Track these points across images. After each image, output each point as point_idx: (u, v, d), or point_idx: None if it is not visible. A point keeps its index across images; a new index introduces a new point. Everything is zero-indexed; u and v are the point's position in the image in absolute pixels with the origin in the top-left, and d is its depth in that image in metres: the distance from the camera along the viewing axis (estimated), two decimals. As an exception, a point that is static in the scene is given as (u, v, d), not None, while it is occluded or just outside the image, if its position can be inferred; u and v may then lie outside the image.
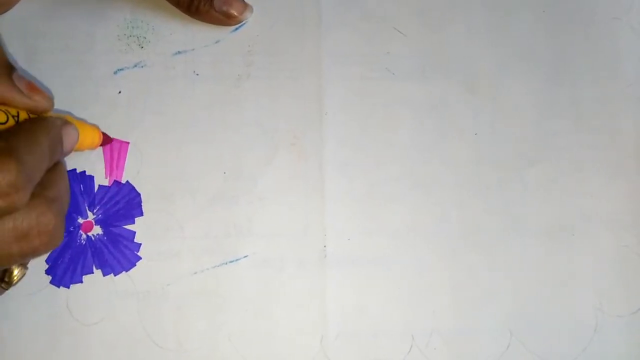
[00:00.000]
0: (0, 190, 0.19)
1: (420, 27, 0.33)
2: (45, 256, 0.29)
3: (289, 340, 0.29)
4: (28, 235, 0.21)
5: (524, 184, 0.32)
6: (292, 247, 0.30)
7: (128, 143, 0.31)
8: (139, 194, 0.30)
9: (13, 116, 0.23)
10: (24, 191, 0.19)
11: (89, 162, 0.30)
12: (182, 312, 0.29)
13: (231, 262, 0.30)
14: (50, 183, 0.22)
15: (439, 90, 0.33)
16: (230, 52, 0.32)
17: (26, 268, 0.24)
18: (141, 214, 0.30)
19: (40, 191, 0.21)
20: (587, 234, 0.32)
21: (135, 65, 0.31)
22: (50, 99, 0.25)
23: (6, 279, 0.23)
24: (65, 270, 0.29)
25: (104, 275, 0.29)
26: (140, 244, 0.30)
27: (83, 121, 0.29)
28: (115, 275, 0.29)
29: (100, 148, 0.30)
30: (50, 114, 0.26)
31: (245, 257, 0.30)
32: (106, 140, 0.29)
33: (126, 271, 0.29)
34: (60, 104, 0.30)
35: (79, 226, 0.30)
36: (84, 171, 0.30)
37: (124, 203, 0.30)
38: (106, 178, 0.30)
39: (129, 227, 0.30)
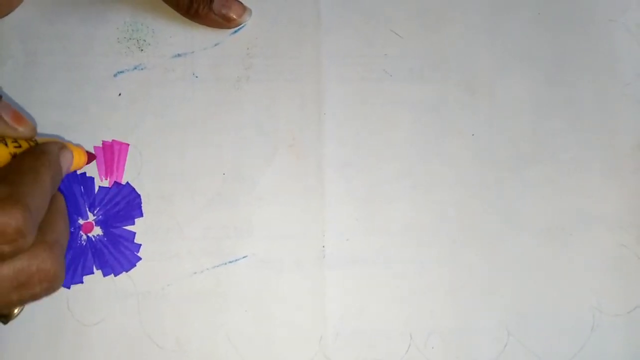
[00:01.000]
0: (8, 236, 0.19)
1: (417, 29, 0.34)
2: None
3: (288, 340, 0.29)
4: (28, 283, 0.21)
5: (522, 184, 0.32)
6: (291, 247, 0.30)
7: (128, 145, 0.31)
8: (139, 195, 0.30)
9: (13, 156, 0.24)
10: (29, 236, 0.20)
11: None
12: (181, 312, 0.29)
13: (230, 262, 0.30)
14: (49, 225, 0.22)
15: (437, 91, 0.33)
16: (229, 55, 0.32)
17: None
18: (141, 215, 0.30)
19: (40, 237, 0.21)
20: (584, 233, 0.32)
21: (135, 68, 0.32)
22: (33, 127, 0.25)
23: (5, 313, 0.23)
24: (66, 271, 0.29)
25: (104, 275, 0.29)
26: (140, 245, 0.30)
27: (69, 142, 0.29)
28: (115, 276, 0.29)
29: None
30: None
31: (244, 257, 0.30)
32: (91, 157, 0.29)
33: (126, 272, 0.29)
34: (61, 106, 0.31)
35: (80, 227, 0.30)
36: (85, 173, 0.30)
37: (124, 204, 0.30)
38: (106, 179, 0.30)
39: (129, 228, 0.30)
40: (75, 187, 0.30)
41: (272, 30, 0.33)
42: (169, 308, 0.29)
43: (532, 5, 0.34)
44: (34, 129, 0.25)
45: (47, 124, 0.31)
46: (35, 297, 0.21)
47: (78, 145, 0.29)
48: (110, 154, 0.31)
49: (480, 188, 0.32)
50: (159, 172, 0.31)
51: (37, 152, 0.24)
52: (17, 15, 0.31)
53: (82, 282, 0.29)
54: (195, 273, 0.30)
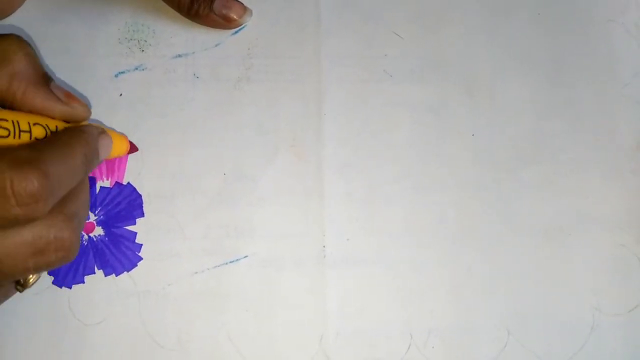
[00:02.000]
0: (20, 199, 0.19)
1: (417, 29, 0.34)
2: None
3: (289, 339, 0.29)
4: (45, 251, 0.21)
5: (521, 184, 0.32)
6: (292, 247, 0.31)
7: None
8: (140, 195, 0.30)
9: (52, 132, 0.23)
10: (44, 203, 0.19)
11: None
12: (183, 312, 0.29)
13: (231, 262, 0.30)
14: (71, 197, 0.22)
15: (437, 92, 0.33)
16: (230, 55, 0.32)
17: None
18: (142, 215, 0.30)
19: (60, 207, 0.21)
20: (584, 233, 0.32)
21: (136, 68, 0.32)
22: (88, 108, 0.25)
23: (21, 282, 0.23)
24: (67, 271, 0.29)
25: (105, 275, 0.29)
26: (142, 245, 0.30)
27: (112, 129, 0.30)
28: (116, 276, 0.29)
29: None
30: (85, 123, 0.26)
31: (245, 257, 0.30)
32: (133, 149, 0.29)
33: (127, 271, 0.30)
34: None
35: (81, 227, 0.30)
36: (86, 173, 0.31)
37: (125, 204, 0.30)
38: (107, 180, 0.31)
39: (130, 228, 0.30)
40: (76, 187, 0.30)
41: (272, 31, 0.33)
42: (170, 307, 0.29)
43: (531, 6, 0.34)
44: (88, 109, 0.25)
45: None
46: (50, 266, 0.21)
47: (122, 134, 0.30)
48: (112, 154, 0.31)
49: (479, 189, 0.32)
50: (160, 172, 0.31)
51: (75, 130, 0.24)
52: (17, 15, 0.31)
53: (83, 282, 0.29)
54: (196, 273, 0.30)
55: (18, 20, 0.31)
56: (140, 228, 0.30)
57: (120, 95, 0.32)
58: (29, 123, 0.22)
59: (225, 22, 0.31)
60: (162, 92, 0.32)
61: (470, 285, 0.31)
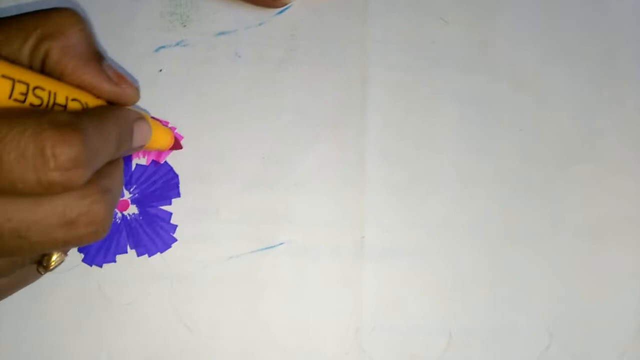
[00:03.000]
0: (61, 163, 0.17)
1: (467, 17, 0.33)
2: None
3: (324, 330, 0.29)
4: (76, 223, 0.19)
5: (568, 182, 0.31)
6: (330, 236, 0.30)
7: (167, 123, 0.30)
8: (176, 175, 0.29)
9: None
10: (84, 169, 0.18)
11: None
12: (215, 297, 0.28)
13: (267, 248, 0.29)
14: (105, 173, 0.21)
15: (484, 83, 0.32)
16: (273, 36, 0.31)
17: (66, 254, 0.23)
18: (178, 195, 0.29)
19: (96, 179, 0.20)
20: (630, 234, 0.31)
21: (177, 44, 0.31)
22: (137, 91, 0.24)
23: (44, 264, 0.22)
24: (98, 249, 0.28)
25: (138, 255, 0.29)
26: (176, 226, 0.29)
27: (158, 121, 0.29)
28: (149, 257, 0.29)
29: None
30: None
31: (281, 244, 0.29)
32: (176, 145, 0.28)
33: (161, 253, 0.29)
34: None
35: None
36: (121, 149, 0.30)
37: (161, 183, 0.29)
38: (144, 157, 0.30)
39: (166, 208, 0.29)
40: (111, 164, 0.29)
41: (318, 13, 0.32)
42: (203, 292, 0.28)
43: (584, 1, 0.33)
44: (138, 92, 0.24)
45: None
46: (79, 241, 0.20)
47: (168, 128, 0.28)
48: (148, 131, 0.30)
49: (524, 185, 0.31)
50: (198, 153, 0.30)
51: (112, 108, 0.23)
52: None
53: (114, 262, 0.29)
54: (231, 257, 0.29)
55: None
56: (176, 209, 0.29)
57: (160, 70, 0.31)
58: (67, 97, 0.21)
59: (271, 1, 0.30)
60: (202, 69, 0.31)
61: (511, 284, 0.30)
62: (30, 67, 0.21)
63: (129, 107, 0.24)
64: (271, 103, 0.31)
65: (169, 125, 0.30)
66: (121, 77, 0.23)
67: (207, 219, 0.29)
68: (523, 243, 0.30)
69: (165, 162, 0.30)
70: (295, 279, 0.29)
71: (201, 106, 0.30)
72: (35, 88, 0.19)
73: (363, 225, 0.30)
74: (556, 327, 0.29)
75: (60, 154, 0.17)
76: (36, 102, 0.19)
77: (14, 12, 0.21)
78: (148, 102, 0.30)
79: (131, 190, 0.29)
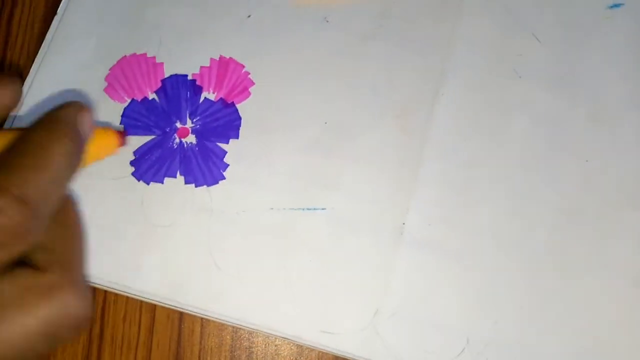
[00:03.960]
0: (6, 232, 0.16)
1: (559, 39, 0.32)
2: (132, 145, 0.29)
3: (344, 304, 0.28)
4: (57, 333, 0.19)
5: (624, 226, 0.30)
6: (372, 214, 0.29)
7: (243, 66, 0.31)
8: (240, 118, 0.30)
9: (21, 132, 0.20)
10: (32, 233, 0.17)
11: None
12: (248, 242, 0.29)
13: (309, 209, 0.29)
14: (68, 257, 0.20)
15: (562, 107, 0.31)
16: (364, 9, 0.32)
17: None
18: (237, 137, 0.30)
19: (67, 277, 0.19)
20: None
21: (273, -5, 0.31)
22: (15, 90, 0.21)
23: None
24: (149, 167, 0.29)
25: (185, 183, 0.29)
26: (228, 165, 0.29)
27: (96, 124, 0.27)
28: (196, 187, 0.29)
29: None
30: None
31: (323, 209, 0.29)
32: (122, 139, 0.27)
33: (208, 186, 0.29)
34: (188, 15, 0.31)
35: (176, 130, 0.30)
36: (195, 80, 0.30)
37: (223, 121, 0.30)
38: (214, 93, 0.30)
39: (222, 145, 0.30)
40: (182, 91, 0.30)
41: (414, -2, 0.32)
42: (238, 234, 0.29)
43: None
44: (17, 92, 0.21)
45: (176, 25, 0.31)
46: (62, 343, 0.20)
47: (105, 127, 0.27)
48: (224, 70, 0.31)
49: (578, 216, 0.30)
50: (265, 103, 0.30)
51: (47, 122, 0.20)
52: None
53: (162, 183, 0.29)
54: (272, 209, 0.29)
55: None
56: (231, 149, 0.30)
57: (249, 16, 0.31)
58: None
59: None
60: (289, 25, 0.31)
61: (543, 309, 0.29)
62: None
63: (66, 105, 0.22)
64: (347, 73, 0.31)
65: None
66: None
67: (258, 167, 0.30)
68: (563, 273, 0.29)
69: (232, 102, 0.30)
70: (328, 246, 0.29)
71: (279, 59, 0.31)
72: None
73: (407, 213, 0.30)
74: (577, 365, 0.28)
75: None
76: None
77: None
78: (231, 43, 0.31)
79: (194, 120, 0.30)
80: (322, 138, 0.30)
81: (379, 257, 0.29)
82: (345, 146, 0.30)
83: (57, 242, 0.20)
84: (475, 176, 0.30)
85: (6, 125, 0.27)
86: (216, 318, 0.28)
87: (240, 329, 0.29)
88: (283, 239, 0.29)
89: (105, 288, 0.28)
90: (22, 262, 0.19)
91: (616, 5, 0.33)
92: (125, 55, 0.31)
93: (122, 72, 0.30)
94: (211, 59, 0.31)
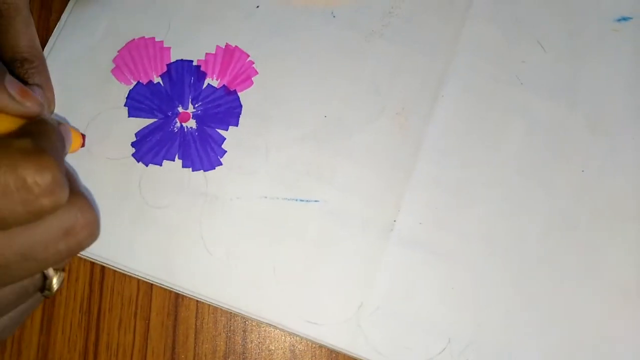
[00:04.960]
0: (45, 189, 0.18)
1: (564, 48, 0.32)
2: (135, 127, 0.30)
3: (329, 294, 0.29)
4: (73, 231, 0.20)
5: (614, 236, 0.30)
6: (364, 210, 0.30)
7: (248, 55, 0.31)
8: (240, 105, 0.30)
9: (22, 125, 0.22)
10: (64, 186, 0.18)
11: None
12: (239, 228, 0.29)
13: (302, 200, 0.30)
14: (72, 180, 0.21)
15: (561, 115, 0.31)
16: (372, 6, 0.32)
17: (63, 271, 0.23)
18: (236, 124, 0.30)
19: (73, 187, 0.20)
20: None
21: (282, -13, 0.32)
22: (41, 103, 0.23)
23: (47, 287, 0.22)
24: (149, 149, 0.30)
25: (182, 166, 0.30)
26: (226, 152, 0.30)
27: (66, 124, 0.29)
28: (193, 171, 0.30)
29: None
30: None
31: (316, 201, 0.30)
32: (83, 141, 0.29)
33: (204, 171, 0.30)
34: (198, 2, 0.31)
35: (177, 114, 0.30)
36: (199, 66, 0.31)
37: (224, 108, 0.30)
38: (217, 80, 0.31)
39: (221, 132, 0.30)
40: (186, 76, 0.31)
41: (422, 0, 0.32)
42: (230, 220, 0.29)
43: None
44: (42, 104, 0.23)
45: (185, 11, 0.32)
46: (81, 246, 0.20)
47: (74, 128, 0.28)
48: (229, 58, 0.31)
49: (570, 225, 0.30)
50: (267, 93, 0.31)
51: (40, 121, 0.23)
52: None
53: (160, 165, 0.30)
54: (265, 197, 0.30)
55: None
56: (230, 135, 0.30)
57: (257, 7, 0.32)
58: None
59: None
60: (296, 18, 0.32)
61: (526, 314, 0.29)
62: None
63: (48, 117, 0.24)
64: (350, 68, 0.31)
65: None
66: (25, 93, 0.23)
67: (256, 155, 0.30)
68: (551, 280, 0.30)
69: (235, 90, 0.31)
70: (318, 237, 0.29)
71: (284, 50, 0.31)
72: None
73: (398, 210, 0.30)
74: (556, 373, 0.29)
75: (42, 181, 0.18)
76: None
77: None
78: (237, 32, 0.31)
79: (196, 106, 0.30)
80: (320, 131, 0.31)
81: (367, 252, 0.29)
82: (343, 141, 0.31)
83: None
84: (470, 179, 0.30)
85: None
86: (203, 300, 0.28)
87: (234, 335, 0.29)
88: (274, 228, 0.29)
89: (100, 263, 0.29)
90: None
91: (624, 19, 0.33)
92: (134, 39, 0.31)
93: (129, 55, 0.31)
94: (217, 46, 0.31)
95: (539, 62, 0.32)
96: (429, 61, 0.32)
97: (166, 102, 0.30)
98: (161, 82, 0.31)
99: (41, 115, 0.23)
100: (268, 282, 0.29)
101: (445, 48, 0.32)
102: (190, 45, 0.31)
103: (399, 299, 0.29)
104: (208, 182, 0.30)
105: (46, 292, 0.22)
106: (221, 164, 0.30)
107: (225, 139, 0.30)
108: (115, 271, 0.29)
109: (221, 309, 0.29)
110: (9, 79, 0.23)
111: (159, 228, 0.29)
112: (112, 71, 0.31)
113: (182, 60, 0.31)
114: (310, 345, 0.29)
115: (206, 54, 0.31)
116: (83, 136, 0.29)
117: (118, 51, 0.31)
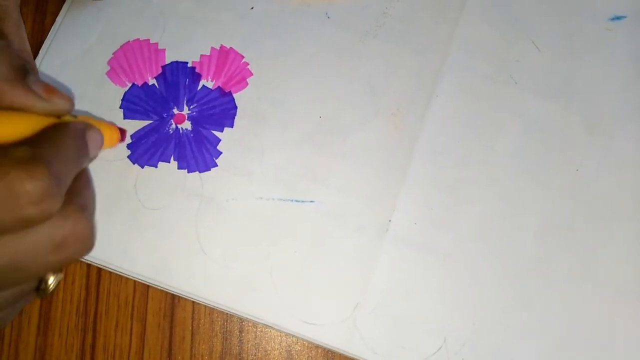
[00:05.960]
0: (33, 198, 0.18)
1: (558, 48, 0.32)
2: (130, 129, 0.30)
3: (326, 295, 0.29)
4: (64, 244, 0.20)
5: (609, 236, 0.30)
6: (360, 210, 0.30)
7: (243, 57, 0.31)
8: (236, 107, 0.31)
9: (40, 130, 0.21)
10: (55, 197, 0.18)
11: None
12: (235, 230, 0.29)
13: (297, 201, 0.30)
14: (77, 191, 0.21)
15: (557, 115, 0.32)
16: (366, 7, 0.32)
17: (62, 272, 0.23)
18: (232, 125, 0.30)
19: (70, 198, 0.20)
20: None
21: (277, -11, 0.32)
22: (69, 100, 0.23)
23: (42, 287, 0.22)
24: (145, 151, 0.30)
25: (178, 168, 0.30)
26: (221, 153, 0.30)
27: (101, 120, 0.28)
28: (188, 172, 0.30)
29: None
30: (68, 117, 0.24)
31: (311, 202, 0.30)
32: (123, 135, 0.27)
33: (200, 172, 0.30)
34: (194, 3, 0.31)
35: (172, 116, 0.30)
36: (194, 67, 0.31)
37: (219, 110, 0.30)
38: (212, 81, 0.31)
39: (217, 133, 0.30)
40: (181, 77, 0.31)
41: (416, 0, 0.32)
42: (226, 221, 0.29)
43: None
44: (70, 100, 0.23)
45: (180, 13, 0.32)
46: (71, 259, 0.20)
47: (111, 123, 0.27)
48: (224, 59, 0.31)
49: (565, 224, 0.30)
50: (262, 94, 0.31)
51: (61, 125, 0.22)
52: None
53: (156, 167, 0.30)
54: (260, 198, 0.30)
55: None
56: (225, 137, 0.30)
57: (252, 8, 0.32)
58: (10, 124, 0.20)
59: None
60: (290, 19, 0.32)
61: (523, 316, 0.29)
62: None
63: (76, 119, 0.24)
64: (345, 69, 0.32)
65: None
66: (50, 91, 0.22)
67: (251, 156, 0.30)
68: (547, 280, 0.30)
69: (230, 91, 0.31)
70: (313, 238, 0.29)
71: (278, 52, 0.31)
72: None
73: (393, 211, 0.30)
74: (552, 371, 0.29)
75: (31, 190, 0.18)
76: None
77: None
78: (232, 33, 0.31)
79: (191, 107, 0.30)
80: (315, 132, 0.31)
81: (363, 253, 0.29)
82: (338, 141, 0.31)
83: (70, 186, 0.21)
84: (465, 178, 0.31)
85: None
86: (200, 301, 0.28)
87: (230, 335, 0.29)
88: (268, 228, 0.29)
89: (96, 265, 0.29)
90: None
91: (618, 18, 0.33)
92: (129, 41, 0.31)
93: (124, 57, 0.31)
94: (212, 47, 0.31)
95: (533, 61, 0.32)
96: (424, 61, 0.32)
97: (161, 104, 0.30)
98: (156, 84, 0.31)
99: (71, 112, 0.23)
100: (264, 283, 0.29)
101: (440, 48, 0.32)
102: (185, 47, 0.31)
103: (395, 299, 0.29)
104: (204, 184, 0.30)
105: (40, 293, 0.22)
106: (217, 165, 0.30)
107: (220, 140, 0.30)
108: (111, 273, 0.29)
109: (217, 310, 0.29)
110: (33, 78, 0.22)
111: (155, 230, 0.29)
112: (107, 73, 0.31)
113: (177, 61, 0.31)
114: (306, 345, 0.29)
115: (201, 55, 0.31)
116: (122, 131, 0.27)
117: (113, 53, 0.31)
